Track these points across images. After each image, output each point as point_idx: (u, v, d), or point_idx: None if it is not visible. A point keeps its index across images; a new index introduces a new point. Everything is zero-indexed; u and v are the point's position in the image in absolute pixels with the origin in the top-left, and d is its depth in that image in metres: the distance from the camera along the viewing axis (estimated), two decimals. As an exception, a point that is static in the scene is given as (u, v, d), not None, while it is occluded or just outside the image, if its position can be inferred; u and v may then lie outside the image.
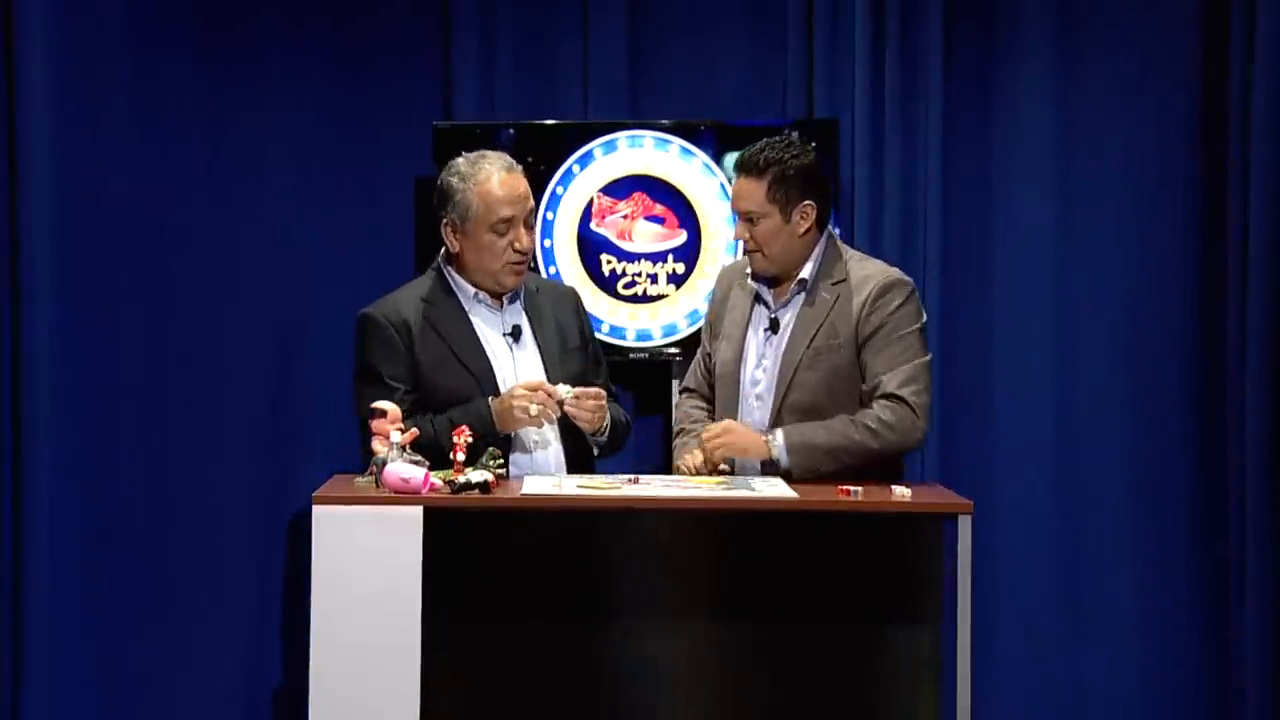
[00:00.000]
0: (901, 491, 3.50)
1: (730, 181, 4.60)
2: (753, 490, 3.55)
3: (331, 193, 4.86)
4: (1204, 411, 4.73)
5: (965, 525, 3.40)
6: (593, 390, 3.79)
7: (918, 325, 3.82)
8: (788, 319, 3.87)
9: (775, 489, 3.57)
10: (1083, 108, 4.81)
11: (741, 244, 3.91)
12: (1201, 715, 4.73)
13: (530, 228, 3.86)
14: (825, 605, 3.51)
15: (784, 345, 3.84)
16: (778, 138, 3.87)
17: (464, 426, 3.55)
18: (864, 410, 3.76)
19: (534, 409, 3.68)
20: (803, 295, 3.86)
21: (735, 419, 3.87)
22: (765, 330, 3.89)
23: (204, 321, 4.76)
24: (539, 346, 3.89)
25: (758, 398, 3.87)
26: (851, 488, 3.51)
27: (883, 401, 3.75)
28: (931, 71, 4.78)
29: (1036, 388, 4.83)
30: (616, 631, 3.52)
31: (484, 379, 3.83)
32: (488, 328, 3.88)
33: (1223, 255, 4.66)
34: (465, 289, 3.89)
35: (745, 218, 3.84)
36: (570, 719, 3.51)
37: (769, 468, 3.76)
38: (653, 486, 3.59)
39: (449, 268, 3.92)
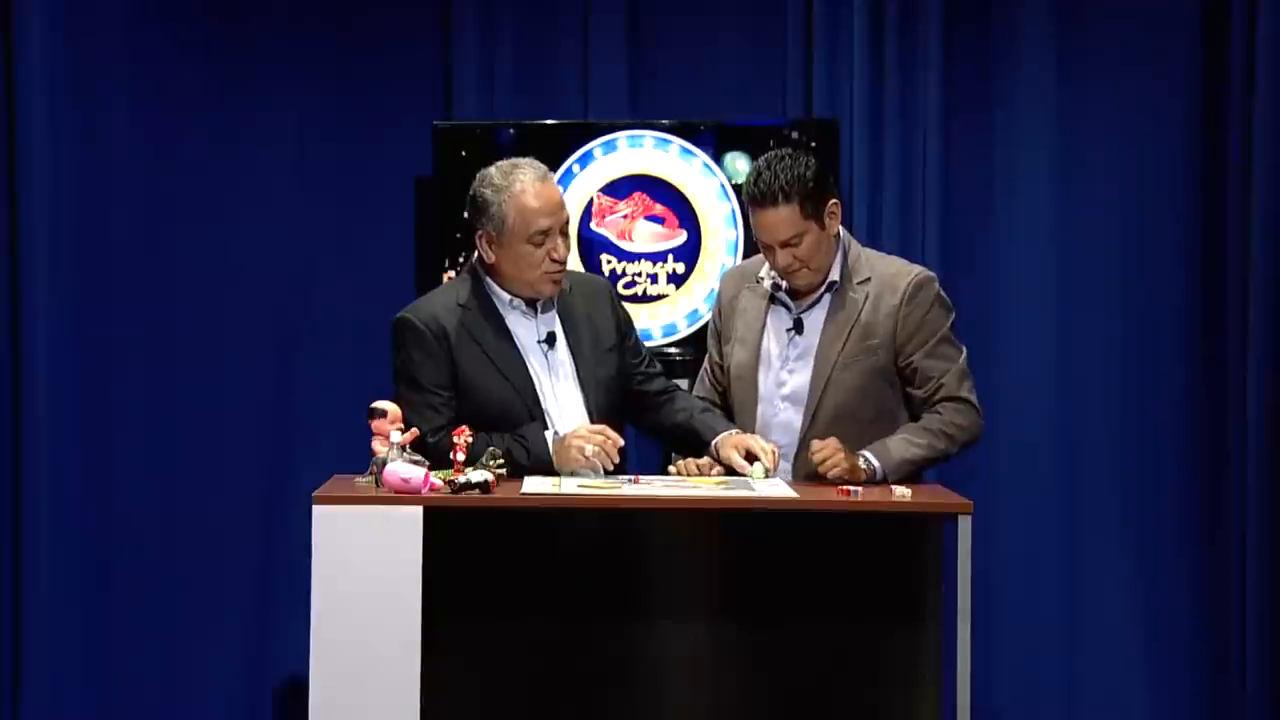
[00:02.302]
0: (901, 491, 3.50)
1: (729, 181, 4.62)
2: (752, 490, 3.55)
3: (332, 192, 4.86)
4: (1205, 411, 4.74)
5: (965, 525, 3.39)
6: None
7: (952, 318, 3.84)
8: (814, 320, 3.85)
9: (775, 489, 3.57)
10: (1082, 107, 4.81)
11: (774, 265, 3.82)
12: (1201, 715, 4.73)
13: (566, 235, 3.81)
14: (825, 605, 3.50)
15: (816, 347, 3.83)
16: (775, 155, 3.80)
17: (464, 427, 3.55)
18: (933, 416, 3.76)
19: (589, 449, 3.66)
20: (829, 296, 3.84)
21: (754, 421, 3.86)
22: (789, 331, 3.87)
23: (204, 321, 4.77)
24: (573, 354, 3.88)
25: (784, 399, 3.85)
26: (851, 488, 3.51)
27: (950, 404, 3.77)
28: (931, 71, 4.79)
29: (1036, 389, 4.83)
30: (616, 631, 3.52)
31: (522, 387, 3.80)
32: (524, 334, 3.86)
33: (1223, 255, 4.67)
34: (501, 295, 3.84)
35: (785, 245, 3.76)
36: (570, 719, 3.51)
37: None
38: (653, 486, 3.58)
39: (493, 276, 3.88)
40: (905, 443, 3.73)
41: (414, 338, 3.78)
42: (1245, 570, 4.58)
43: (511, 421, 3.76)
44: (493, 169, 3.83)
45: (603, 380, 3.85)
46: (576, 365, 3.85)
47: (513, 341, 3.82)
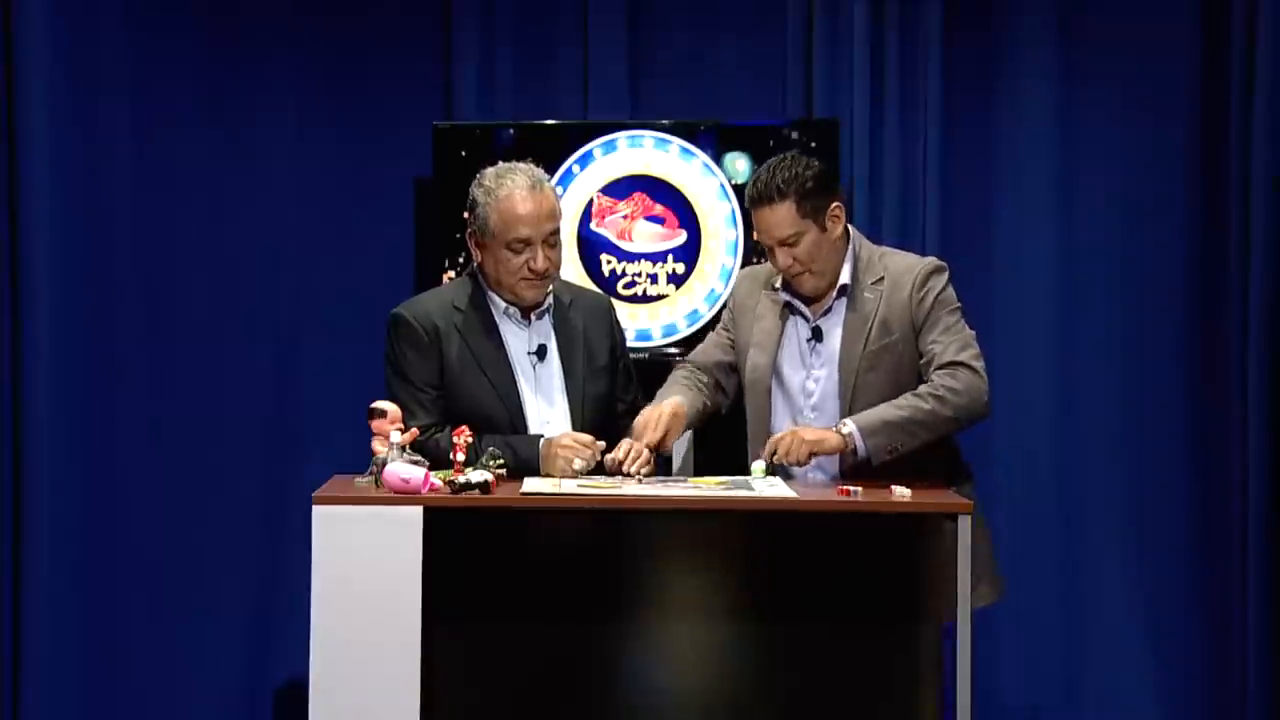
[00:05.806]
0: (901, 491, 3.50)
1: (730, 181, 4.62)
2: (752, 490, 3.55)
3: (331, 193, 4.86)
4: (1205, 410, 4.74)
5: (965, 525, 3.40)
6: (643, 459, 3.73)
7: (960, 304, 3.85)
8: (832, 325, 3.85)
9: (775, 489, 3.58)
10: (1082, 107, 4.81)
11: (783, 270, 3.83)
12: (1202, 715, 4.73)
13: (552, 246, 3.80)
14: (825, 605, 3.50)
15: (838, 352, 3.82)
16: (777, 158, 3.83)
17: (464, 427, 3.56)
18: (924, 383, 3.75)
19: (578, 464, 3.67)
20: (844, 300, 3.84)
21: (766, 428, 3.86)
22: (809, 341, 3.87)
23: (204, 322, 4.77)
24: (563, 368, 3.88)
25: (813, 409, 3.84)
26: (851, 488, 3.51)
27: (943, 370, 3.74)
28: (931, 71, 4.79)
29: (1036, 388, 4.83)
30: (616, 631, 3.52)
31: (506, 394, 3.81)
32: (515, 343, 3.87)
33: (1223, 255, 4.67)
34: (497, 302, 3.86)
35: (783, 244, 3.77)
36: (568, 719, 3.51)
37: (847, 459, 3.71)
38: (653, 486, 3.59)
39: (482, 277, 3.90)
40: (887, 406, 3.72)
41: (407, 333, 3.81)
42: (1245, 571, 4.58)
43: (493, 427, 3.77)
44: (489, 170, 3.85)
45: (591, 396, 3.87)
46: (566, 380, 3.86)
47: (503, 349, 3.83)
